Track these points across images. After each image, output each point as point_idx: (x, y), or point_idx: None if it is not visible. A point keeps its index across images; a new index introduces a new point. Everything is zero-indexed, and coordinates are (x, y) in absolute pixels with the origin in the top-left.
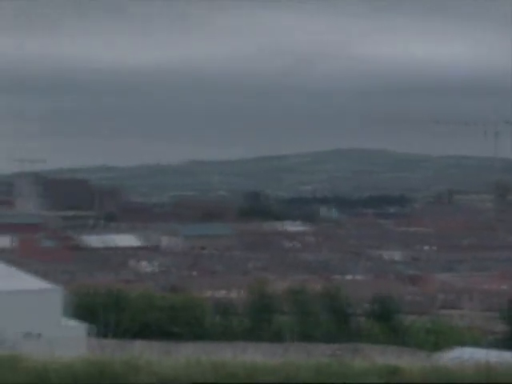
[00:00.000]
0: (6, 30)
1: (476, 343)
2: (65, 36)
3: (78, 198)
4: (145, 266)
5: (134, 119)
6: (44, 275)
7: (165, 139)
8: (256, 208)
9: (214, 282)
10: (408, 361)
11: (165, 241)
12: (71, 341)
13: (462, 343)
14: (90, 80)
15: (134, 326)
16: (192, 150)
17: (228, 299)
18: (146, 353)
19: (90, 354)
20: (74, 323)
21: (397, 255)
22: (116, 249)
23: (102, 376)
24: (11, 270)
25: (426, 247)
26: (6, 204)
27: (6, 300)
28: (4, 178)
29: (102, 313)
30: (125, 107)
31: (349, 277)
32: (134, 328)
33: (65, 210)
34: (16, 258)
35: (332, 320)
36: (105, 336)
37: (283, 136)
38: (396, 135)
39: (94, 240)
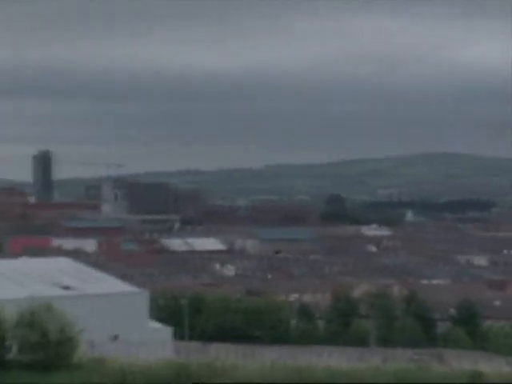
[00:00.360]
0: (98, 38)
1: None
2: (155, 42)
3: (160, 202)
4: (224, 270)
5: (216, 124)
6: (126, 278)
7: (247, 143)
8: (337, 212)
9: (292, 285)
10: (487, 366)
11: (244, 244)
12: (157, 343)
13: None
14: (173, 85)
15: (213, 328)
16: (274, 154)
17: (307, 303)
18: (224, 356)
19: (170, 357)
20: (159, 326)
21: (477, 260)
22: (196, 252)
23: (181, 378)
24: (97, 273)
25: (505, 251)
26: (93, 208)
27: (93, 303)
28: (91, 182)
29: (182, 316)
30: (207, 112)
31: (429, 281)
32: (213, 331)
33: (147, 214)
34: (100, 261)
35: (413, 325)
36: (185, 338)
37: (368, 140)
38: (484, 140)
39: (175, 243)
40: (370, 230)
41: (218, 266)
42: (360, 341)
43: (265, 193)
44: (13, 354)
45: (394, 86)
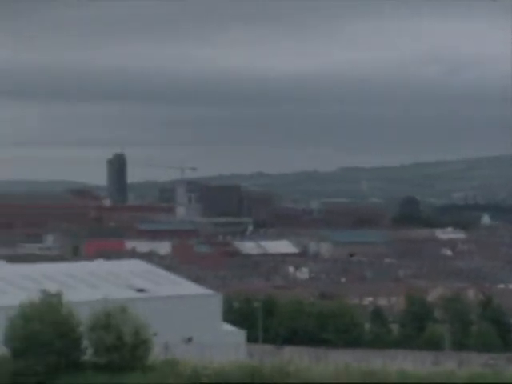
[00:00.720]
0: (172, 42)
1: None
2: (228, 44)
3: (233, 205)
4: (296, 272)
5: (289, 127)
6: (200, 280)
7: (318, 146)
8: (409, 215)
9: (365, 288)
10: None
11: (316, 247)
12: (230, 346)
13: None
14: (247, 89)
15: (286, 331)
16: (345, 157)
17: (380, 306)
18: (297, 359)
19: (243, 359)
20: (232, 329)
21: None
22: (268, 255)
23: (254, 380)
24: (171, 275)
25: None
26: (166, 211)
27: (166, 305)
28: (165, 185)
29: (255, 318)
30: (280, 115)
31: (505, 285)
32: (286, 334)
33: (220, 217)
34: (174, 264)
35: (488, 329)
36: (258, 341)
37: (439, 143)
38: None
39: (247, 246)
40: (445, 234)
41: (290, 268)
42: (434, 345)
43: (337, 195)
44: (88, 355)
45: (463, 88)
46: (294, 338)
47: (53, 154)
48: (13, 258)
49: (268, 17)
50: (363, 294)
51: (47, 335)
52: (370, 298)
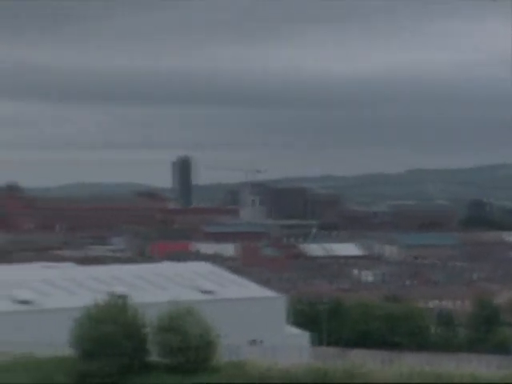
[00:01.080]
0: (250, 44)
1: None
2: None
3: (298, 207)
4: (364, 275)
5: (355, 129)
6: (265, 283)
7: (384, 148)
8: (478, 217)
9: (432, 291)
10: None
11: (384, 250)
12: (295, 348)
13: None
14: (310, 91)
15: (352, 334)
16: (412, 159)
17: (450, 309)
18: (363, 361)
19: (310, 362)
20: (297, 331)
21: None
22: (336, 257)
23: (319, 382)
24: (236, 277)
25: None
26: (231, 213)
27: (232, 307)
28: (230, 187)
29: (320, 321)
30: (346, 117)
31: None
32: (352, 336)
33: (285, 219)
34: (239, 266)
35: None
36: (324, 344)
37: (506, 144)
38: None
39: (313, 248)
40: None
41: (356, 271)
42: (502, 349)
43: (404, 197)
44: (154, 356)
45: None
46: (359, 340)
47: (117, 156)
48: (82, 260)
49: (357, 18)
50: (429, 297)
51: (115, 337)
52: (437, 301)
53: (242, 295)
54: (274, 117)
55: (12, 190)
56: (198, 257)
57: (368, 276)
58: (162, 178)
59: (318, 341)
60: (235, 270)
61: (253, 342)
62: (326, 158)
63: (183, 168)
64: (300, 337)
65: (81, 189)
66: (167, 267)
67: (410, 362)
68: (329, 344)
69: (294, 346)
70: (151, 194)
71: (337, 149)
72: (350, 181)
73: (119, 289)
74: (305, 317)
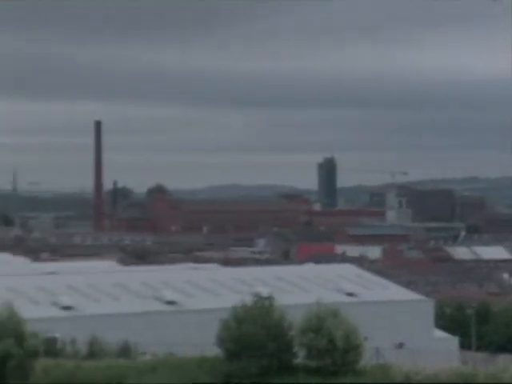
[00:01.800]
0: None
1: None
2: (425, 49)
3: (445, 209)
4: (511, 279)
5: (496, 131)
6: (410, 286)
7: None
8: None
9: None
10: None
11: None
12: (443, 353)
13: None
14: (446, 92)
15: (501, 339)
16: None
17: None
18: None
19: (457, 366)
20: (445, 335)
21: None
22: (482, 261)
23: None
24: (381, 280)
25: None
26: (377, 215)
27: (377, 310)
28: (375, 189)
29: (468, 325)
30: (491, 118)
31: None
32: (501, 341)
33: (431, 221)
34: (384, 269)
35: None
36: (472, 348)
37: None
38: None
39: (460, 251)
40: None
41: (505, 275)
42: None
43: None
44: (300, 358)
45: None
46: (509, 345)
47: (261, 158)
48: (223, 261)
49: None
50: None
51: (260, 338)
52: None
53: (387, 298)
54: (418, 119)
55: (160, 192)
56: (343, 259)
57: None
58: (307, 180)
59: (466, 345)
60: (380, 273)
61: (400, 345)
62: (472, 160)
63: (328, 170)
64: (449, 341)
65: (225, 191)
66: (311, 269)
67: None
68: (478, 349)
69: (441, 351)
70: (296, 196)
71: (483, 150)
72: (498, 183)
73: (263, 290)
74: (452, 321)
